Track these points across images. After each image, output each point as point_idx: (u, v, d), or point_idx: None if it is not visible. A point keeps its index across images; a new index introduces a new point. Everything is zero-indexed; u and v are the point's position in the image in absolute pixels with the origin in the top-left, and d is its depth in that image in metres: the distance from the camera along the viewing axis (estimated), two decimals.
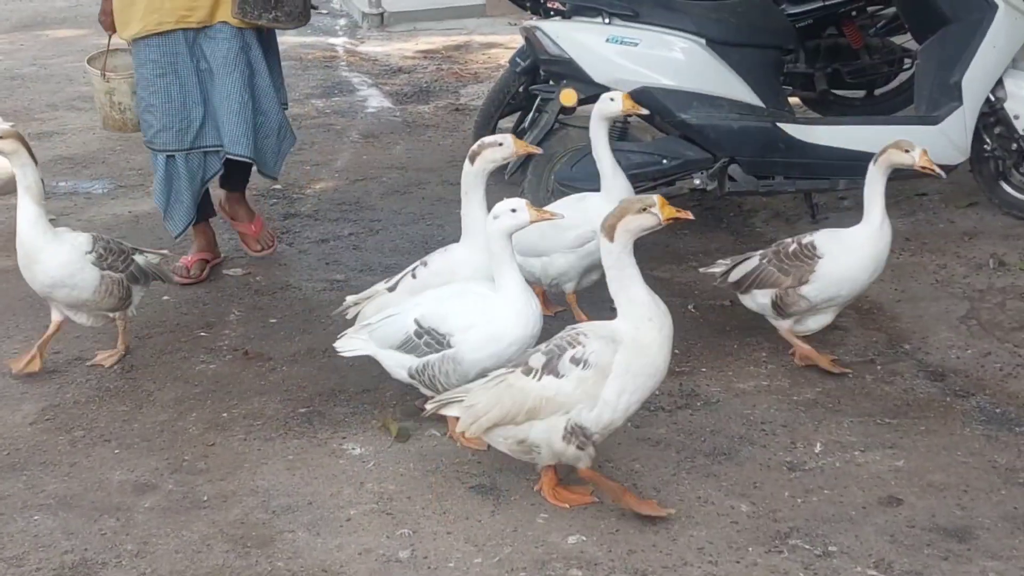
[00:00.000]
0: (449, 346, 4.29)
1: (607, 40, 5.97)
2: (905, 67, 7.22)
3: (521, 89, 7.13)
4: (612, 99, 5.30)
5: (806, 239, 5.02)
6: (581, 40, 5.98)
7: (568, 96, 6.02)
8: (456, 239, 4.77)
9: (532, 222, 4.25)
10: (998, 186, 6.47)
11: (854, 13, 7.34)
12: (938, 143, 6.09)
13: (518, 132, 7.19)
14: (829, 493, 4.14)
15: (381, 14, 13.34)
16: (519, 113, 7.35)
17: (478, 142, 4.78)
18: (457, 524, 4.04)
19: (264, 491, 4.27)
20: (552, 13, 6.27)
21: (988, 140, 6.34)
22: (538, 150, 5.10)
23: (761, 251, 5.15)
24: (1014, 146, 6.29)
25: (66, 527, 4.08)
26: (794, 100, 7.28)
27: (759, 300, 5.08)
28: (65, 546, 3.97)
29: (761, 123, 6.09)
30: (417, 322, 4.35)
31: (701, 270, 5.39)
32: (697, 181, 6.12)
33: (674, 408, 4.77)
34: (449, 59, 11.12)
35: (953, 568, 3.71)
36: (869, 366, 5.08)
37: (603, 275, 4.02)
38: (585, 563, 3.81)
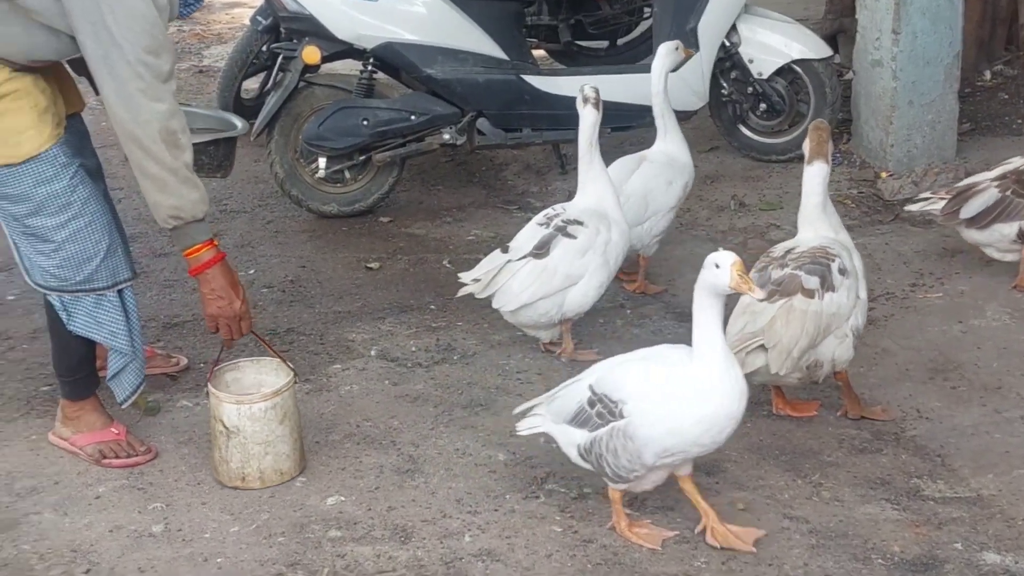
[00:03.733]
0: (621, 416, 3.53)
1: None
2: (645, 16, 7.34)
3: (264, 48, 6.96)
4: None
5: None
6: None
7: (311, 54, 5.92)
8: None
9: (731, 287, 3.45)
10: (736, 129, 6.67)
11: None
12: (678, 90, 6.23)
13: (263, 92, 7.05)
14: None
15: None
16: (263, 73, 7.20)
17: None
18: (212, 495, 3.95)
19: (7, 473, 4.09)
20: None
21: (725, 85, 6.53)
22: None
23: (991, 182, 5.08)
24: (750, 89, 6.49)
25: None
26: (539, 52, 7.33)
27: (1002, 232, 5.05)
28: None
29: (506, 76, 6.12)
30: (591, 388, 3.60)
31: (908, 208, 5.26)
32: (446, 136, 6.12)
33: (431, 363, 4.76)
34: (191, 20, 10.80)
35: None
36: (620, 311, 5.17)
37: None
38: (344, 523, 3.78)
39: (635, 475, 3.55)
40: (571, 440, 3.65)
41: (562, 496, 3.88)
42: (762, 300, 3.94)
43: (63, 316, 4.02)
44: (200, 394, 4.50)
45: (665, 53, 5.27)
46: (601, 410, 3.54)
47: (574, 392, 3.67)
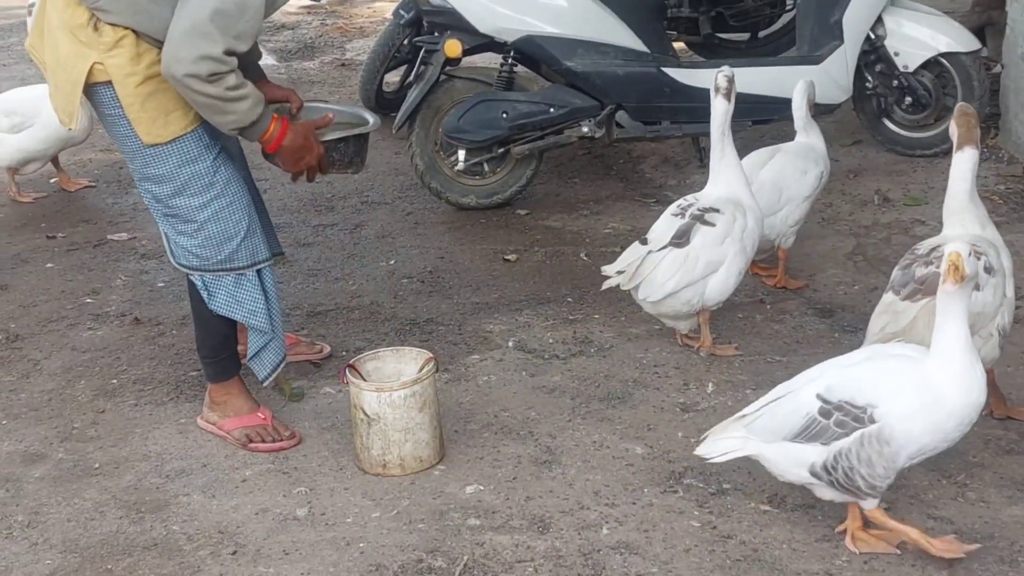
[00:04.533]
0: (871, 421, 3.36)
1: None
2: (787, 8, 7.26)
3: (406, 42, 7.06)
4: None
5: None
6: None
7: (452, 47, 5.97)
8: None
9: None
10: (881, 123, 6.57)
11: None
12: (821, 82, 6.14)
13: (404, 85, 7.13)
14: None
15: None
16: (405, 66, 7.29)
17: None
18: (354, 480, 4.02)
19: (157, 455, 4.21)
20: None
21: (870, 78, 6.43)
22: None
23: None
24: (895, 83, 6.38)
25: None
26: (679, 45, 7.30)
27: None
28: None
29: (646, 68, 6.11)
30: (821, 397, 3.43)
31: None
32: (585, 129, 6.13)
33: (568, 355, 4.78)
34: (334, 14, 10.97)
35: None
36: (759, 306, 5.13)
37: None
38: (483, 512, 3.81)
39: (887, 482, 3.40)
40: (799, 459, 3.46)
41: (700, 491, 3.87)
42: (904, 300, 3.94)
43: (204, 296, 4.12)
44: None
45: (804, 88, 5.30)
46: (842, 418, 3.38)
47: (793, 406, 3.47)
